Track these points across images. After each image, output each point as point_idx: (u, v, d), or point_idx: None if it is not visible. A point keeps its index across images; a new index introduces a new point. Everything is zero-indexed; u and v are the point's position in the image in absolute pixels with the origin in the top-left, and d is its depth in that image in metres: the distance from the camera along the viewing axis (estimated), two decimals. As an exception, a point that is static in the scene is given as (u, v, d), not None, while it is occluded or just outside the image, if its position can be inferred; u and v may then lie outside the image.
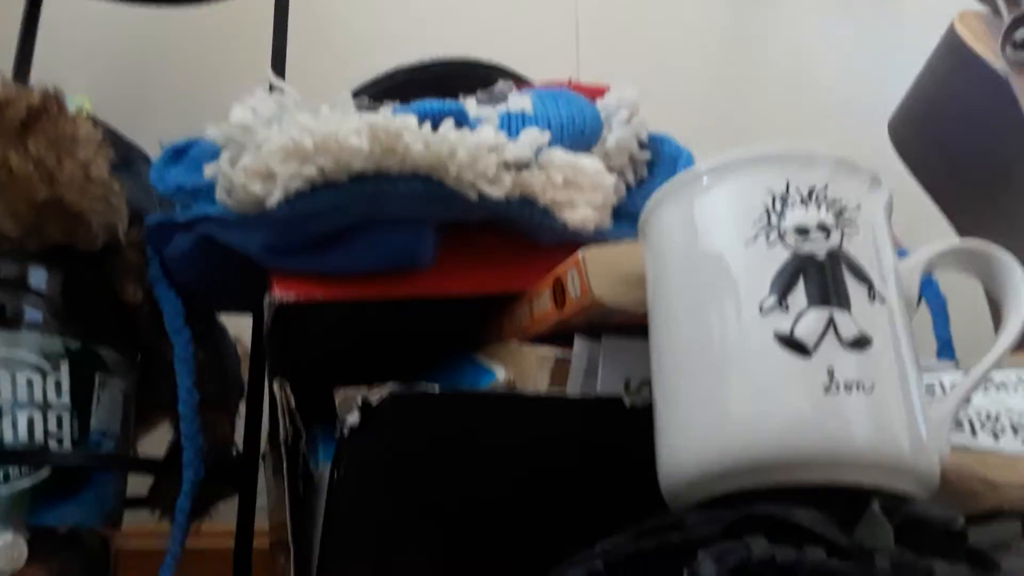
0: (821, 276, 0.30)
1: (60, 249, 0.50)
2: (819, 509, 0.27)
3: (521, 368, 0.42)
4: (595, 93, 0.56)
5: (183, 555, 0.47)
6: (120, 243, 0.51)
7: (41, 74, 0.70)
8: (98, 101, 0.61)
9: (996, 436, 0.36)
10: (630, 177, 0.53)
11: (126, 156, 0.56)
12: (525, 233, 0.48)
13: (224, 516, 0.58)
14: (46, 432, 0.47)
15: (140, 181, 0.54)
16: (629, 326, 0.40)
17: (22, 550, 0.44)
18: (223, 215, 0.47)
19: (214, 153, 0.49)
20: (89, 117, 0.52)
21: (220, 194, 0.46)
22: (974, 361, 0.32)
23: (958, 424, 0.37)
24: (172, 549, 0.46)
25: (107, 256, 0.51)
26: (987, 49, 0.71)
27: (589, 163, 0.48)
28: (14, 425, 0.46)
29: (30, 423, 0.46)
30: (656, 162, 0.54)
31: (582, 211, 0.47)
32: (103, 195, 0.49)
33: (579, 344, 0.41)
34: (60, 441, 0.47)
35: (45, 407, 0.47)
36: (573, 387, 0.40)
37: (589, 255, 0.39)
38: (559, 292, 0.41)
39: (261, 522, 0.55)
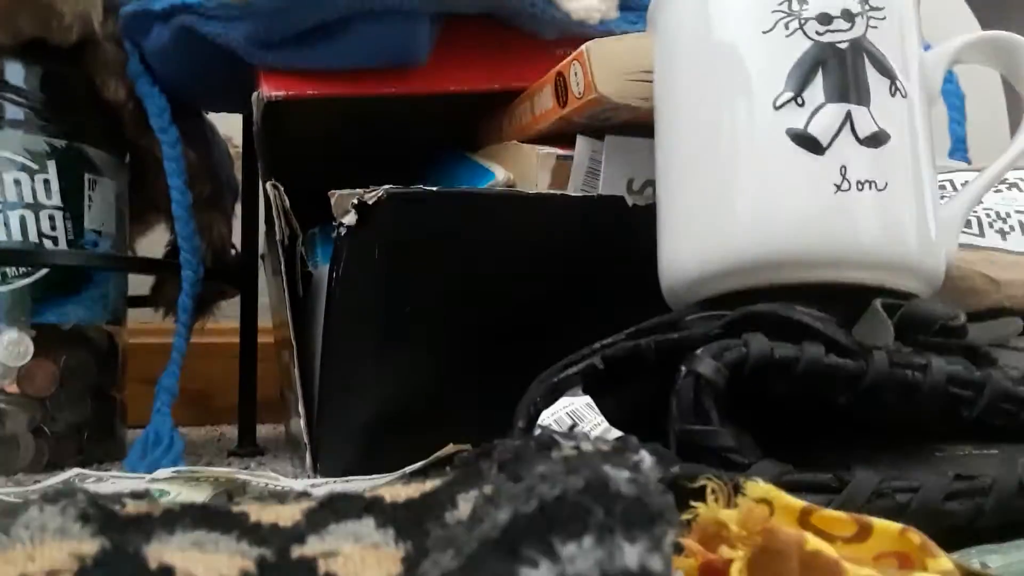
0: (841, 69, 0.28)
1: (35, 44, 0.47)
2: (822, 307, 0.27)
3: (521, 168, 0.41)
4: None
5: (190, 350, 0.48)
6: (97, 36, 0.48)
7: None
8: None
9: (1004, 235, 0.36)
10: (639, -36, 0.49)
11: (94, -59, 0.51)
12: (526, 26, 0.45)
13: (229, 313, 0.59)
14: (40, 232, 0.46)
15: (113, -32, 0.50)
16: (633, 126, 0.39)
17: (28, 345, 0.45)
18: (202, 4, 0.44)
19: (188, -65, 0.45)
20: None
21: (198, -19, 0.43)
22: (987, 161, 0.31)
23: (967, 223, 0.36)
24: (177, 345, 0.47)
25: (85, 51, 0.48)
26: None
27: (595, -53, 0.44)
28: (6, 224, 0.46)
29: (22, 222, 0.46)
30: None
31: (586, 1, 0.44)
32: (73, -18, 0.46)
33: (581, 143, 0.40)
34: (55, 241, 0.47)
35: (36, 207, 0.46)
36: (575, 186, 0.40)
37: (594, 48, 0.37)
38: (561, 88, 0.40)
39: (265, 320, 0.56)
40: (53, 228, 0.47)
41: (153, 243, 0.60)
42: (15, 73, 0.47)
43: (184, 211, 0.47)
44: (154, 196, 0.52)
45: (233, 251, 0.56)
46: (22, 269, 0.46)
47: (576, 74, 0.38)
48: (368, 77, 0.44)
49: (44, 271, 0.46)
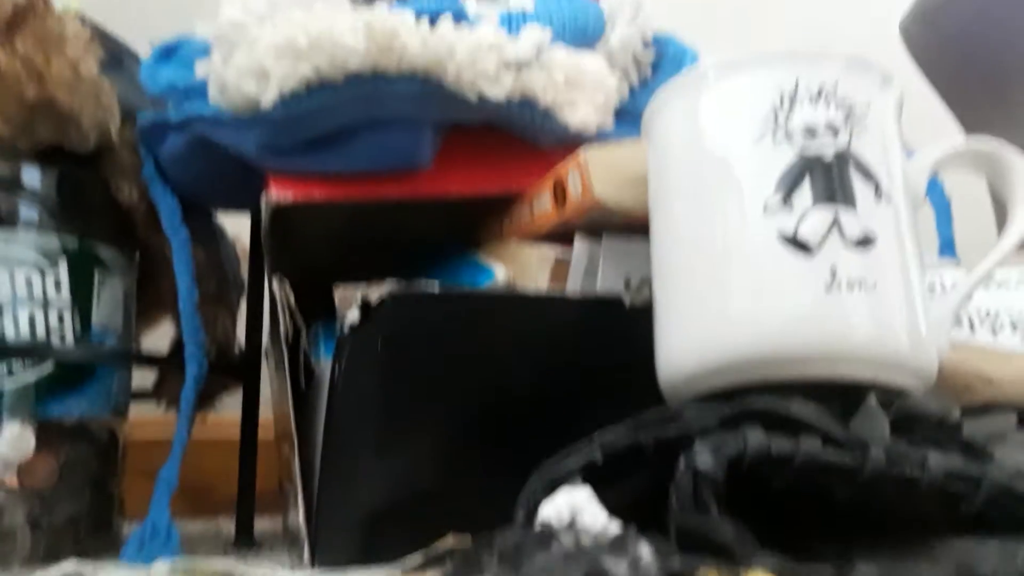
0: (827, 175, 0.30)
1: (53, 149, 0.49)
2: (818, 402, 0.27)
3: (521, 267, 0.42)
4: (598, -11, 0.54)
5: (190, 444, 0.48)
6: (113, 143, 0.50)
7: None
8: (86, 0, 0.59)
9: (994, 332, 0.36)
10: (633, 77, 0.52)
11: (115, 55, 0.54)
12: (525, 134, 0.47)
13: (230, 406, 0.59)
14: (48, 328, 0.47)
15: (131, 80, 0.53)
16: (630, 227, 0.40)
17: (30, 440, 0.45)
18: (217, 115, 0.46)
19: (205, 51, 0.48)
20: (77, 15, 0.51)
21: (213, 93, 0.45)
22: (976, 260, 0.32)
23: (957, 320, 0.37)
24: (179, 438, 0.47)
25: (101, 156, 0.50)
26: (1002, -54, 0.69)
27: (591, 62, 0.47)
28: (15, 321, 0.46)
29: (31, 319, 0.47)
30: (660, 62, 0.53)
31: (584, 111, 0.46)
32: (93, 93, 0.48)
33: (579, 243, 0.41)
34: (62, 336, 0.48)
35: (46, 304, 0.47)
36: (573, 286, 0.41)
37: (591, 155, 0.39)
38: (560, 192, 0.41)
39: (266, 414, 0.56)
40: (61, 324, 0.48)
41: (158, 336, 0.61)
42: (31, 176, 0.49)
43: (190, 307, 0.48)
44: (161, 293, 0.53)
45: (237, 348, 0.57)
46: (28, 363, 0.46)
47: (574, 179, 0.40)
48: (373, 180, 0.46)
49: (50, 366, 0.47)
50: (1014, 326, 0.36)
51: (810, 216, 0.29)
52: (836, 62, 0.32)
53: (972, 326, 0.36)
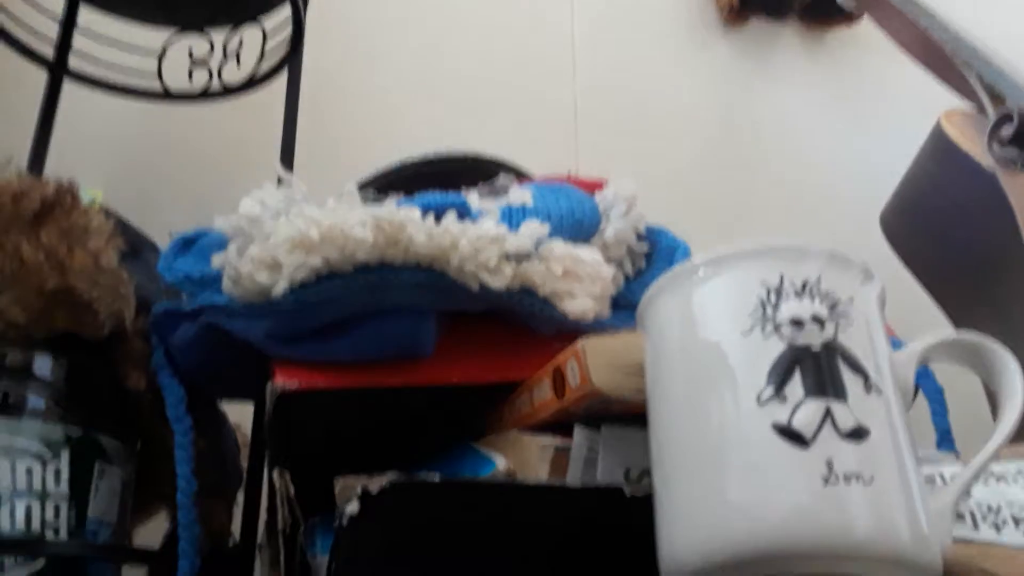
0: (817, 367, 0.30)
1: (66, 337, 0.50)
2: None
3: (521, 457, 0.42)
4: (593, 187, 0.57)
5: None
6: (127, 331, 0.51)
7: (56, 166, 0.72)
8: (110, 192, 0.63)
9: (998, 528, 0.36)
10: (628, 268, 0.54)
11: (135, 245, 0.57)
12: (525, 323, 0.49)
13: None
14: (43, 521, 0.46)
15: (148, 270, 0.55)
16: (628, 415, 0.40)
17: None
18: (229, 304, 0.47)
19: (222, 244, 0.50)
20: (101, 208, 0.53)
21: (227, 283, 0.47)
22: (974, 452, 0.32)
23: (960, 516, 0.36)
24: (167, 641, 0.45)
25: (113, 344, 0.52)
26: (974, 146, 0.73)
27: (588, 254, 0.49)
28: (12, 514, 0.46)
29: (28, 512, 0.46)
30: (654, 253, 0.55)
31: (581, 301, 0.48)
32: (112, 284, 0.50)
33: (579, 433, 0.41)
34: (56, 531, 0.47)
35: (44, 496, 0.47)
36: (573, 476, 0.40)
37: (588, 345, 0.40)
38: (559, 381, 0.42)
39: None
40: (57, 517, 0.47)
41: (151, 531, 0.60)
42: (43, 365, 0.50)
43: (188, 500, 0.48)
44: (159, 484, 0.53)
45: (231, 541, 0.56)
46: (20, 559, 0.45)
47: (572, 368, 0.41)
48: (377, 370, 0.47)
49: (42, 562, 0.46)
50: (1016, 521, 0.36)
51: (803, 408, 0.30)
52: (818, 257, 0.33)
53: (975, 522, 0.36)
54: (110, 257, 0.50)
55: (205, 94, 0.81)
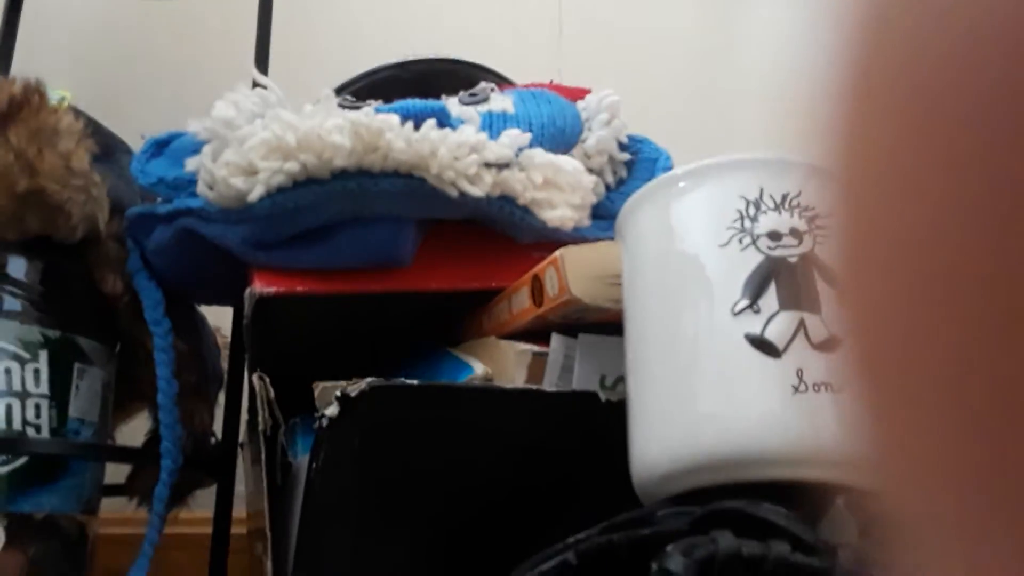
0: (793, 280, 0.31)
1: (40, 239, 0.50)
2: (786, 505, 0.27)
3: (499, 363, 0.43)
4: (576, 94, 0.56)
5: (161, 541, 0.47)
6: (100, 234, 0.51)
7: (23, 66, 0.70)
8: (80, 93, 0.61)
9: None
10: (609, 178, 0.54)
11: (107, 148, 0.56)
12: (505, 231, 0.49)
13: (202, 503, 0.58)
14: (24, 420, 0.47)
15: (121, 173, 0.54)
16: (605, 324, 0.41)
17: (0, 536, 0.45)
18: (204, 209, 0.47)
19: (196, 147, 0.49)
20: (71, 108, 0.52)
21: (201, 188, 0.47)
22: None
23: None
24: (150, 536, 0.46)
25: (87, 247, 0.51)
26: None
27: (569, 163, 0.48)
28: (-8, 413, 0.46)
29: (8, 411, 0.47)
30: (635, 163, 0.55)
31: (561, 210, 0.47)
32: (84, 186, 0.49)
33: (556, 341, 0.42)
34: (38, 429, 0.47)
35: (24, 395, 0.47)
36: (550, 382, 0.41)
37: (567, 254, 0.40)
38: (537, 289, 0.42)
39: (239, 510, 0.56)
40: (38, 416, 0.47)
41: (133, 430, 0.60)
42: (17, 267, 0.50)
43: (169, 400, 0.48)
44: (140, 385, 0.53)
45: (213, 440, 0.57)
46: (2, 456, 0.46)
47: (551, 277, 0.41)
48: (356, 276, 0.47)
49: (24, 459, 0.46)
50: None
51: (776, 320, 0.30)
52: (798, 170, 0.33)
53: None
54: (81, 158, 0.49)
55: (176, -11, 0.78)
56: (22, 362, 0.48)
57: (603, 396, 0.40)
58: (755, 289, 0.31)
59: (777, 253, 0.31)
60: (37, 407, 0.48)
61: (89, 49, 0.88)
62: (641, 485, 0.33)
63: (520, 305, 0.44)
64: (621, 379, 0.40)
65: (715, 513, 0.28)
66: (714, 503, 0.28)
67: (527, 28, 1.04)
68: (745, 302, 0.31)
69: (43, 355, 0.48)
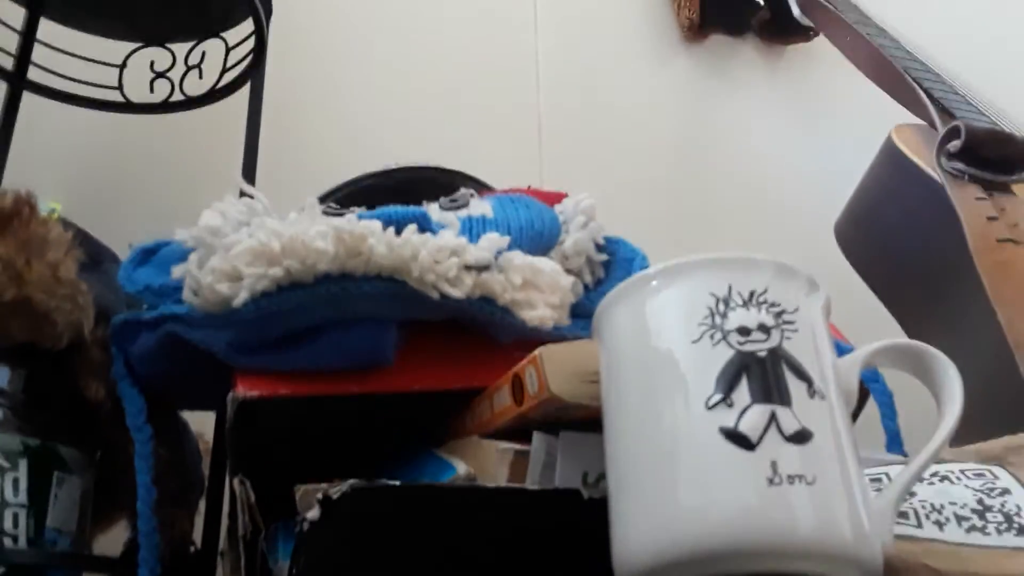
0: (763, 374, 0.32)
1: (24, 347, 0.50)
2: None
3: (481, 462, 0.43)
4: (554, 199, 0.58)
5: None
6: (85, 341, 0.51)
7: (15, 177, 0.72)
8: (70, 203, 0.62)
9: (940, 526, 0.37)
10: (587, 278, 0.55)
11: (95, 256, 0.57)
12: (485, 331, 0.50)
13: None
14: (1, 530, 0.46)
15: (108, 281, 0.55)
16: (586, 421, 0.41)
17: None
18: (189, 314, 0.48)
19: (182, 255, 0.50)
20: (59, 220, 0.53)
21: (187, 294, 0.47)
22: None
23: (904, 515, 0.38)
24: (126, 651, 0.45)
25: (71, 354, 0.51)
26: (923, 159, 0.76)
27: (547, 265, 0.50)
28: (-31, 524, 0.46)
29: (-14, 522, 0.46)
30: (612, 263, 0.57)
31: (540, 310, 0.48)
32: (70, 295, 0.50)
33: (537, 439, 0.42)
34: (15, 539, 0.46)
35: (2, 505, 0.47)
36: (532, 480, 0.41)
37: (546, 352, 0.41)
38: (518, 388, 0.43)
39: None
40: (15, 526, 0.47)
41: (111, 540, 0.59)
42: (0, 375, 0.50)
43: (148, 508, 0.48)
44: (119, 493, 0.52)
45: (192, 548, 0.56)
46: (-23, 569, 0.45)
47: (531, 375, 0.41)
48: (338, 377, 0.47)
49: (1, 570, 0.46)
50: (959, 519, 0.37)
51: (749, 413, 0.31)
52: (765, 268, 0.35)
53: (919, 521, 0.37)
54: (69, 268, 0.50)
55: (166, 105, 0.81)
56: (1, 471, 0.47)
57: (585, 493, 0.40)
58: (727, 384, 0.32)
59: (747, 348, 0.32)
60: (15, 516, 0.47)
61: (80, 160, 0.90)
62: (624, 583, 0.33)
63: (501, 404, 0.45)
64: (603, 476, 0.40)
65: (697, 609, 0.28)
66: (695, 599, 0.28)
67: (508, 135, 1.07)
68: (718, 396, 0.31)
69: (23, 464, 0.48)
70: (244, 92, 0.76)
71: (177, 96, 0.80)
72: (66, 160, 0.89)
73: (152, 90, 0.80)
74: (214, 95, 0.80)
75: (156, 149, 0.91)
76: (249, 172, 0.67)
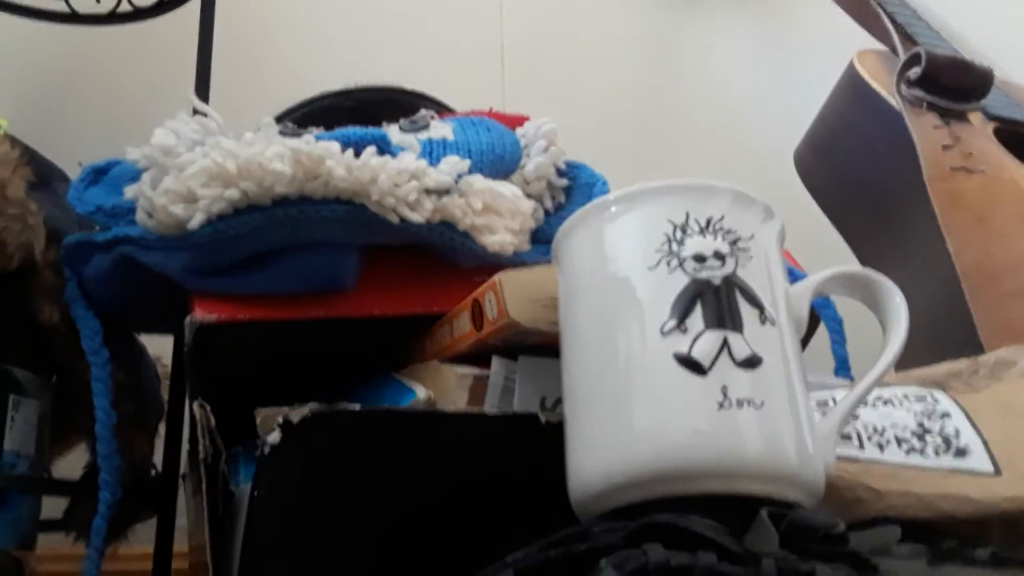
0: (716, 301, 0.32)
1: (-28, 269, 0.49)
2: (713, 517, 0.29)
3: (441, 387, 0.44)
4: (515, 122, 0.58)
5: (100, 576, 0.47)
6: (37, 263, 0.50)
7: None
8: (16, 120, 0.60)
9: (881, 448, 0.39)
10: (548, 203, 0.55)
11: (44, 175, 0.55)
12: (445, 256, 0.49)
13: (142, 538, 0.57)
14: (-43, 454, 0.46)
15: (58, 200, 0.54)
16: (545, 346, 0.42)
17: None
18: (143, 236, 0.47)
19: (134, 175, 0.49)
20: (6, 136, 0.52)
21: (140, 216, 0.47)
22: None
23: (847, 437, 0.39)
24: (88, 571, 0.46)
25: (23, 276, 0.50)
26: (883, 85, 0.76)
27: (508, 189, 0.50)
28: (-77, 448, 0.45)
29: (-60, 446, 0.46)
30: (573, 188, 0.57)
31: (500, 236, 0.48)
32: (19, 215, 0.49)
33: (496, 364, 0.42)
34: (-28, 463, 0.46)
35: (-43, 429, 0.46)
36: (491, 405, 0.42)
37: (505, 278, 0.41)
38: (478, 314, 0.43)
39: (180, 543, 0.55)
40: (-28, 449, 0.47)
41: (70, 463, 0.59)
42: (-51, 297, 0.49)
43: (107, 431, 0.48)
44: (77, 416, 0.52)
45: (153, 471, 0.56)
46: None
47: (490, 301, 0.42)
48: (298, 302, 0.47)
49: (-43, 493, 0.46)
50: (899, 441, 0.39)
51: (702, 339, 0.31)
52: (722, 196, 0.35)
53: (861, 442, 0.39)
54: (17, 187, 0.49)
55: (114, 16, 0.77)
56: (-45, 395, 0.47)
57: (543, 418, 0.40)
58: (682, 310, 0.32)
59: (702, 275, 0.33)
60: (-29, 440, 0.47)
61: (26, 76, 0.87)
62: (578, 502, 0.34)
63: (461, 329, 0.45)
64: (561, 400, 0.41)
65: (647, 527, 0.29)
66: (646, 517, 0.29)
67: (469, 56, 1.05)
68: (673, 323, 0.32)
69: (-24, 387, 0.48)
70: (195, 4, 0.73)
71: (124, 7, 0.77)
72: (11, 75, 0.86)
73: (99, 0, 0.77)
74: (163, 6, 0.77)
75: (105, 64, 0.88)
76: (202, 89, 0.65)
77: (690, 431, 0.30)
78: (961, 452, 0.38)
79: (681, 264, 0.33)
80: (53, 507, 0.56)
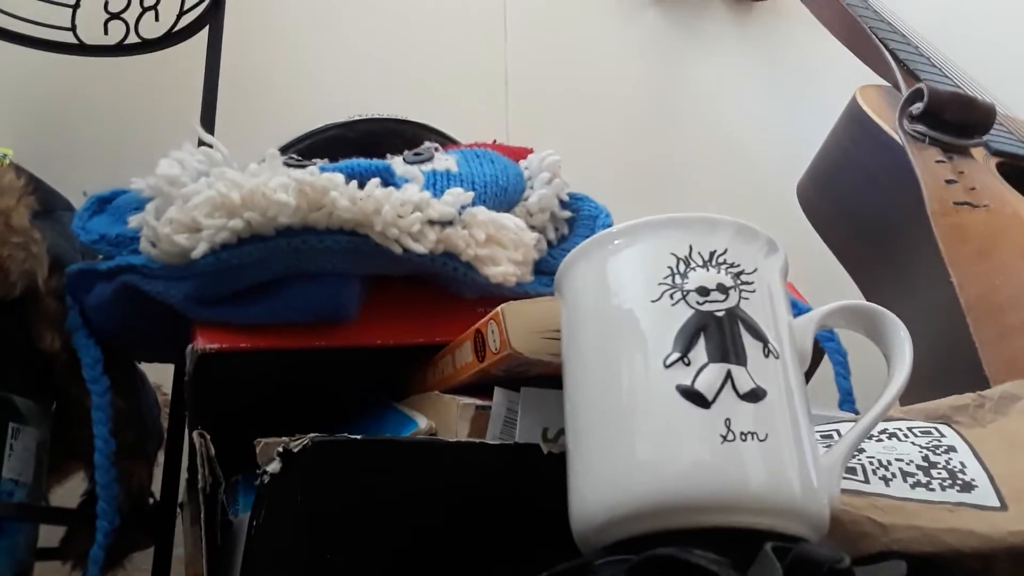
0: (720, 333, 0.32)
1: (-26, 295, 0.49)
2: (717, 551, 0.28)
3: (442, 417, 0.43)
4: (519, 154, 0.58)
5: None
6: (39, 291, 0.50)
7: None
8: (22, 149, 0.61)
9: (887, 482, 0.38)
10: (551, 234, 0.55)
11: (48, 204, 0.55)
12: (448, 287, 0.49)
13: (140, 567, 0.56)
14: (-45, 482, 0.46)
15: (62, 229, 0.54)
16: (547, 377, 0.42)
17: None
18: (146, 265, 0.47)
19: (139, 204, 0.49)
20: (11, 165, 0.52)
21: (144, 245, 0.47)
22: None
23: (852, 470, 0.39)
24: (83, 602, 0.45)
25: (25, 304, 0.50)
26: (885, 120, 0.76)
27: (511, 221, 0.50)
28: (-78, 475, 0.45)
29: (-61, 473, 0.45)
30: (576, 220, 0.57)
31: (504, 267, 0.48)
32: (23, 243, 0.49)
33: (498, 395, 0.42)
34: (-31, 491, 0.46)
35: (-45, 457, 0.46)
36: (492, 436, 0.42)
37: (508, 309, 0.41)
38: (480, 344, 0.43)
39: (177, 573, 0.54)
40: (-30, 478, 0.46)
41: (68, 491, 0.59)
42: (-49, 324, 0.49)
43: (106, 460, 0.47)
44: (76, 444, 0.52)
45: (151, 500, 0.55)
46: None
47: (493, 332, 0.42)
48: (300, 331, 0.47)
49: (-46, 522, 0.45)
50: (904, 475, 0.38)
51: (705, 371, 0.31)
52: (726, 230, 0.35)
53: (866, 476, 0.38)
54: (21, 215, 0.49)
55: (121, 47, 0.78)
56: (-46, 423, 0.47)
57: (545, 448, 0.40)
58: (685, 343, 0.32)
59: (705, 308, 0.32)
60: (-31, 468, 0.46)
61: (32, 106, 0.87)
62: (580, 534, 0.33)
63: (463, 359, 0.45)
64: (563, 431, 0.40)
65: (650, 560, 0.28)
66: (648, 551, 0.28)
67: (473, 88, 1.06)
68: (676, 355, 0.32)
69: (-24, 415, 0.47)
70: (202, 36, 0.74)
71: (132, 39, 0.78)
72: (18, 105, 0.86)
73: (107, 32, 0.78)
74: (171, 38, 0.77)
75: (112, 94, 0.89)
76: (208, 120, 0.66)
77: (693, 463, 0.30)
78: (967, 486, 0.38)
79: (684, 297, 0.33)
80: (50, 535, 0.56)
